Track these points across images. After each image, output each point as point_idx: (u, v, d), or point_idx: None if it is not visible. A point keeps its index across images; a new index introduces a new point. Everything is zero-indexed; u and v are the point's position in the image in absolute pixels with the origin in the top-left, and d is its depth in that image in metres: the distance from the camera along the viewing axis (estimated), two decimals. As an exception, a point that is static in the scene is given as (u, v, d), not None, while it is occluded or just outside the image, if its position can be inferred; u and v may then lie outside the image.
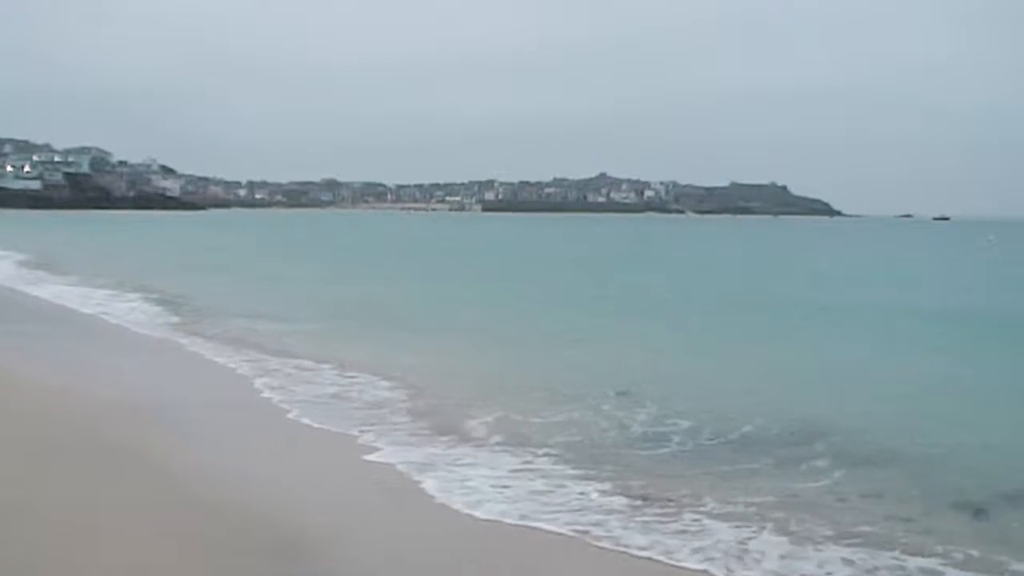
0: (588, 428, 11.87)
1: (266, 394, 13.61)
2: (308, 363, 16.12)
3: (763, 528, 8.19)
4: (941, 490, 9.32)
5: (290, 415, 12.35)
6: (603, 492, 9.16)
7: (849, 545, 7.85)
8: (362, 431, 11.51)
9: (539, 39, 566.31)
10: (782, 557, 7.55)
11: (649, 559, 7.57)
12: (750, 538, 7.96)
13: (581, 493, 9.13)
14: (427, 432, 11.53)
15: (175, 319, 22.32)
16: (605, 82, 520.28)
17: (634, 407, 12.92)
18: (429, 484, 9.38)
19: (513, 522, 8.30)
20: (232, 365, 15.94)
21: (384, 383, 14.41)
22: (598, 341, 20.16)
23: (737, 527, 8.21)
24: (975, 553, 7.65)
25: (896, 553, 7.67)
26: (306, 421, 12.02)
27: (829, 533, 8.11)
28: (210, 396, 13.54)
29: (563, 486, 9.30)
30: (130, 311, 23.49)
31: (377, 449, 10.72)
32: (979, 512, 8.68)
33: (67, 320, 22.01)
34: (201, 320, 22.10)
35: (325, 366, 15.84)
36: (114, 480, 9.13)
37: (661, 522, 8.33)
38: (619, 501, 8.90)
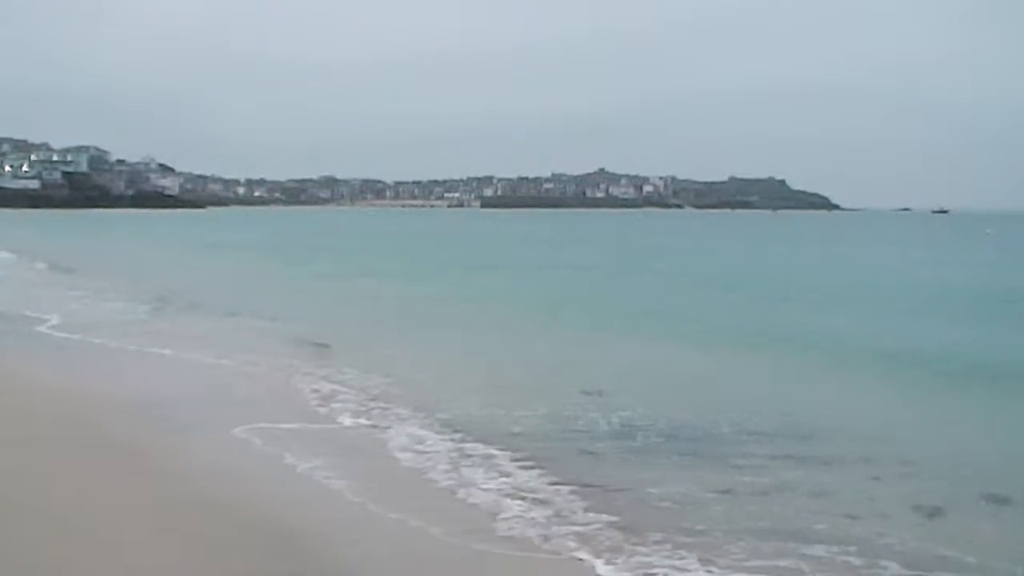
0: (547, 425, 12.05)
1: (265, 392, 13.80)
2: (300, 361, 16.29)
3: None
4: (898, 491, 9.58)
5: (286, 412, 12.53)
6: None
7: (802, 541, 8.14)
8: (352, 426, 11.77)
9: (539, 35, 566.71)
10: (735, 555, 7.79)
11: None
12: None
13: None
14: (436, 428, 11.76)
15: (166, 315, 22.63)
16: (604, 78, 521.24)
17: (602, 406, 13.11)
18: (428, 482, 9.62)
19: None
20: (227, 364, 16.10)
21: (372, 380, 14.64)
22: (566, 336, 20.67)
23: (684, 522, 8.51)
24: (921, 549, 8.01)
25: (843, 547, 7.99)
26: (300, 417, 12.19)
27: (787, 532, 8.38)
28: (208, 394, 13.69)
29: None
30: (127, 309, 23.67)
31: (364, 445, 10.92)
32: (933, 512, 8.96)
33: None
34: (193, 317, 22.33)
35: (316, 364, 16.04)
36: (114, 479, 9.27)
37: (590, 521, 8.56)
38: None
